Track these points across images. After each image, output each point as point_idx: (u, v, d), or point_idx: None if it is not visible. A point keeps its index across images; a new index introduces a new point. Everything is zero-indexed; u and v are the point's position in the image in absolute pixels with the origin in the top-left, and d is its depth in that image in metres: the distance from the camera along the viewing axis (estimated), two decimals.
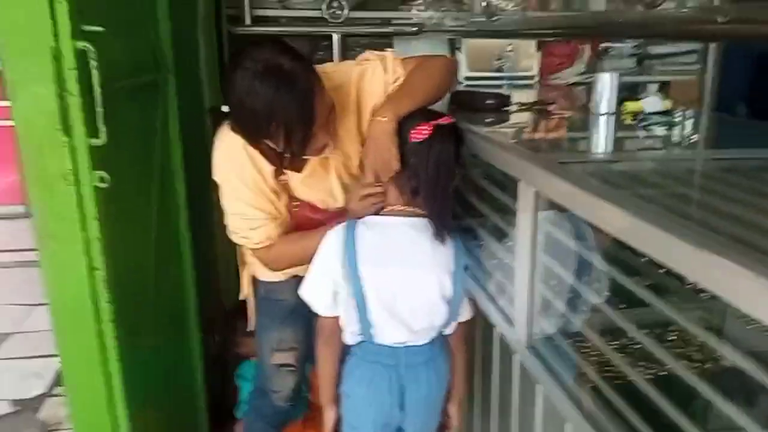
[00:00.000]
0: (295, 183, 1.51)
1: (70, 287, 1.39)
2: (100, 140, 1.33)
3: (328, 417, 1.49)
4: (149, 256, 1.70)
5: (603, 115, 1.61)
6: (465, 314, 1.41)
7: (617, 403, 0.86)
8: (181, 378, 2.03)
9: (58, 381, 2.46)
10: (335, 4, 2.65)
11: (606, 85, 1.63)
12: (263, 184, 1.45)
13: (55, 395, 2.51)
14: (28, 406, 2.47)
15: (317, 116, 1.29)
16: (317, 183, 1.52)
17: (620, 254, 1.12)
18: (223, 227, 1.56)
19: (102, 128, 1.32)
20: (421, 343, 1.39)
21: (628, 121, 1.60)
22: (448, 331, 1.42)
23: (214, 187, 1.55)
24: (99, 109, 1.32)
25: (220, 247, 2.32)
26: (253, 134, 1.34)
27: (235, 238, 1.55)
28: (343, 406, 1.47)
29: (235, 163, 1.45)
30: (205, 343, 2.13)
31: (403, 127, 1.31)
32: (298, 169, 1.50)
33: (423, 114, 1.33)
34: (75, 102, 1.29)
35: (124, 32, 1.59)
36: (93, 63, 1.29)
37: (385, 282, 1.34)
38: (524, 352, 1.12)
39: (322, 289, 1.39)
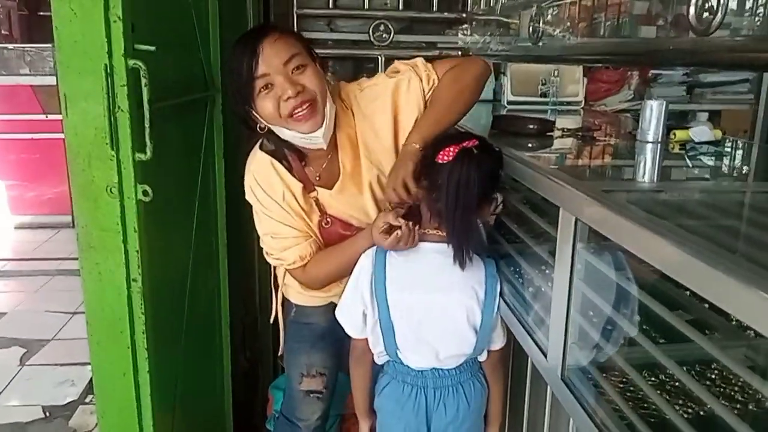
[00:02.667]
0: (326, 199, 1.51)
1: (108, 297, 1.42)
2: (146, 155, 1.36)
3: (363, 428, 1.55)
4: (186, 270, 1.73)
5: (649, 143, 1.57)
6: (498, 342, 1.39)
7: None
8: (210, 391, 2.05)
9: (90, 389, 2.52)
10: (381, 27, 2.68)
11: (654, 112, 1.59)
12: (293, 201, 1.47)
13: (87, 403, 2.56)
14: (59, 413, 2.54)
15: (266, 61, 1.33)
16: (349, 199, 1.52)
17: (661, 287, 1.08)
18: (260, 247, 1.58)
19: (149, 144, 1.35)
20: (449, 367, 1.37)
21: (676, 150, 1.56)
22: (481, 358, 1.40)
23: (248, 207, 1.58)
24: (147, 126, 1.35)
25: (258, 265, 2.34)
26: (241, 105, 1.40)
27: (270, 260, 1.57)
28: (377, 420, 1.51)
29: (264, 180, 1.47)
30: (235, 358, 2.14)
31: (434, 149, 1.31)
32: (329, 185, 1.51)
33: (453, 137, 1.34)
34: (124, 118, 1.33)
35: (176, 51, 1.64)
36: (144, 80, 1.33)
37: (411, 308, 1.35)
38: (557, 383, 1.09)
39: (352, 311, 1.42)
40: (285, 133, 1.40)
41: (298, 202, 1.48)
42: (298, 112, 1.36)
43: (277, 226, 1.48)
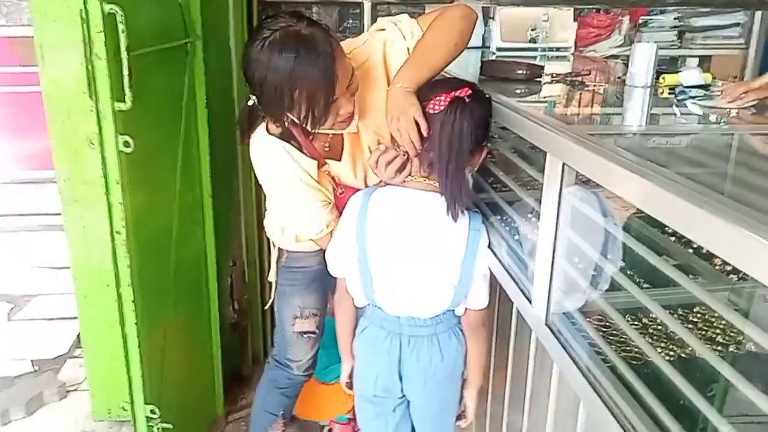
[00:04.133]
0: (336, 170, 1.52)
1: (93, 250, 1.42)
2: (126, 105, 1.33)
3: (344, 369, 1.58)
4: (171, 221, 1.72)
5: (639, 87, 1.55)
6: (477, 302, 1.38)
7: (634, 383, 0.83)
8: (199, 343, 2.07)
9: (78, 343, 2.53)
10: None
11: (643, 56, 1.57)
12: (309, 179, 1.47)
13: (75, 357, 2.58)
14: (48, 366, 2.56)
15: (338, 78, 1.27)
16: (355, 165, 1.53)
17: (647, 233, 1.08)
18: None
19: (128, 93, 1.32)
20: (425, 317, 1.38)
21: (665, 94, 1.54)
22: (458, 312, 1.41)
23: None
24: (125, 74, 1.32)
25: (244, 217, 2.34)
26: (277, 109, 1.32)
27: (289, 233, 1.61)
28: (354, 361, 1.54)
29: (278, 165, 1.45)
30: (223, 310, 2.16)
31: (424, 97, 1.28)
32: (338, 156, 1.51)
33: (444, 84, 1.30)
34: (102, 66, 1.30)
35: None
36: (121, 27, 1.29)
37: (390, 253, 1.35)
38: (541, 329, 1.10)
39: (336, 250, 1.43)
40: (319, 128, 1.37)
41: (314, 179, 1.47)
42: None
43: (297, 203, 1.49)
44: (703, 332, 1.01)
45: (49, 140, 1.47)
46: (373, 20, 2.62)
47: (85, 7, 1.27)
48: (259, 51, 1.26)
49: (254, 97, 1.36)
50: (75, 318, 1.75)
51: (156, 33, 1.59)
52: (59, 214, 1.51)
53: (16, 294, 3.25)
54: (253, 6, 2.39)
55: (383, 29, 1.47)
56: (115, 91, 1.32)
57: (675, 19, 2.91)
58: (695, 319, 1.02)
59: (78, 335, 2.71)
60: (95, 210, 1.41)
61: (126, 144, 1.35)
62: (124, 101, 1.33)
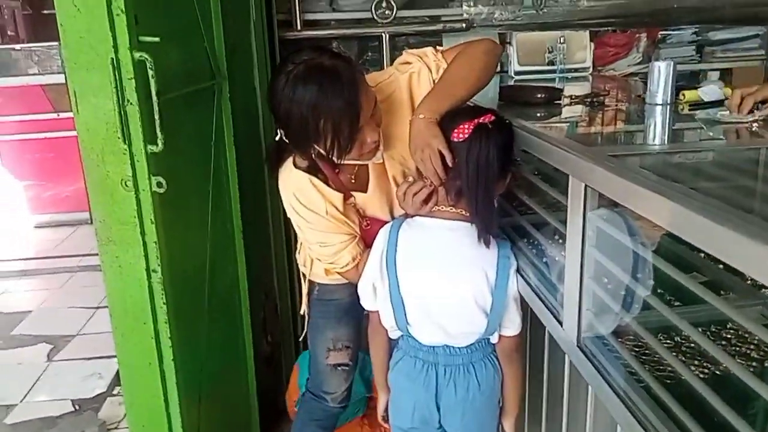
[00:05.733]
0: (362, 202, 1.55)
1: (129, 289, 1.45)
2: (158, 147, 1.37)
3: (380, 401, 1.58)
4: (204, 258, 1.75)
5: (658, 105, 1.56)
6: (511, 328, 1.38)
7: (670, 403, 0.83)
8: (234, 378, 2.08)
9: (117, 381, 2.57)
10: (384, 4, 2.66)
11: (661, 73, 1.58)
12: (336, 212, 1.49)
13: (115, 395, 2.62)
14: (88, 405, 2.60)
15: (362, 107, 1.30)
16: (381, 196, 1.55)
17: (675, 249, 1.08)
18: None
19: (159, 135, 1.37)
20: (461, 345, 1.38)
21: (686, 111, 1.54)
22: (492, 340, 1.41)
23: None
24: (157, 117, 1.37)
25: (274, 251, 2.37)
26: (303, 141, 1.36)
27: (320, 265, 1.62)
28: (390, 394, 1.53)
29: (304, 198, 1.49)
30: (256, 344, 2.18)
31: (447, 126, 1.31)
32: (363, 189, 1.54)
33: (466, 112, 1.32)
34: (134, 111, 1.35)
35: (181, 41, 1.64)
36: (151, 72, 1.34)
37: (420, 283, 1.36)
38: (574, 351, 1.10)
39: (366, 283, 1.45)
40: (345, 159, 1.40)
41: (340, 211, 1.50)
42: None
43: (324, 236, 1.51)
44: (737, 348, 1.00)
45: (85, 183, 1.52)
46: (392, 52, 2.68)
47: (116, 55, 1.32)
48: (283, 84, 1.30)
49: (281, 132, 1.40)
50: (113, 356, 1.79)
51: (184, 76, 1.64)
52: (95, 254, 1.56)
53: (55, 334, 3.32)
54: (275, 45, 2.46)
55: (409, 62, 1.51)
56: (147, 134, 1.37)
57: (693, 33, 2.91)
58: (728, 336, 1.02)
59: (116, 374, 2.76)
60: (131, 250, 1.44)
61: (159, 185, 1.39)
62: (156, 144, 1.37)
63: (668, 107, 1.54)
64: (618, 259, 1.01)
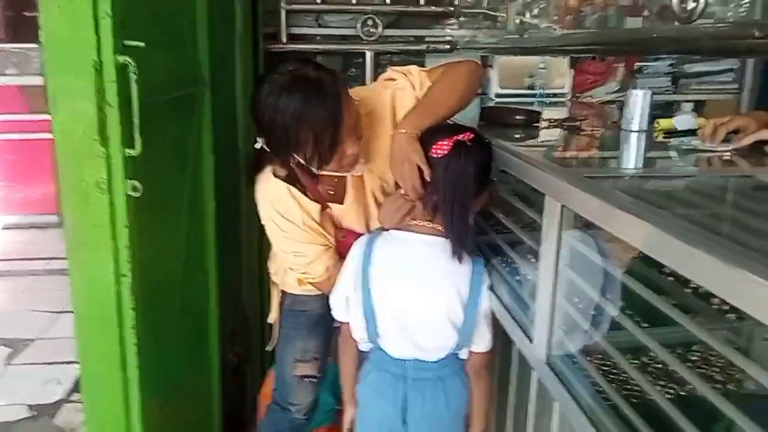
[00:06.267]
0: (339, 213, 1.56)
1: (97, 294, 1.42)
2: (135, 151, 1.36)
3: (347, 415, 1.57)
4: (176, 266, 1.73)
5: (634, 132, 1.59)
6: (481, 345, 1.39)
7: (636, 421, 0.84)
8: (199, 387, 2.05)
9: (76, 387, 2.52)
10: (370, 22, 2.68)
11: (638, 101, 1.61)
12: (312, 222, 1.50)
13: (73, 401, 2.56)
14: (45, 411, 2.54)
15: (344, 120, 1.31)
16: (358, 209, 1.56)
17: (644, 273, 1.10)
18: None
19: (138, 139, 1.35)
20: (431, 360, 1.39)
21: (660, 138, 1.58)
22: (462, 356, 1.41)
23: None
24: (136, 121, 1.36)
25: (246, 263, 2.35)
26: (284, 150, 1.37)
27: (293, 275, 1.62)
28: (357, 407, 1.52)
29: (281, 207, 1.49)
30: (224, 355, 2.15)
31: (426, 142, 1.32)
32: (340, 200, 1.54)
33: (446, 129, 1.34)
34: (113, 114, 1.33)
35: (165, 47, 1.63)
36: (133, 77, 1.33)
37: (393, 296, 1.37)
38: (542, 368, 1.10)
39: (339, 294, 1.45)
40: (324, 170, 1.41)
41: (317, 222, 1.50)
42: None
43: (298, 246, 1.51)
44: (703, 370, 1.02)
45: (58, 185, 1.50)
46: (376, 69, 2.70)
47: (99, 58, 1.31)
48: (267, 94, 1.31)
49: (261, 140, 1.40)
50: (73, 362, 1.75)
51: (167, 82, 1.64)
52: (63, 258, 1.53)
53: (15, 338, 3.25)
54: (260, 57, 2.47)
55: (393, 79, 1.53)
56: (126, 137, 1.36)
57: (669, 65, 2.98)
58: (693, 358, 1.03)
59: (76, 380, 2.70)
60: (101, 254, 1.42)
61: (134, 188, 1.37)
62: (133, 147, 1.36)
63: (643, 134, 1.58)
64: (589, 279, 1.02)
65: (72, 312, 1.59)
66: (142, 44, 1.35)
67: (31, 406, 2.59)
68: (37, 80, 5.05)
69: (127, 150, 1.36)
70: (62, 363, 2.91)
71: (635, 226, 0.80)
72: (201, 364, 2.05)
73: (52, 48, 1.29)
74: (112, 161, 1.36)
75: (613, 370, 1.01)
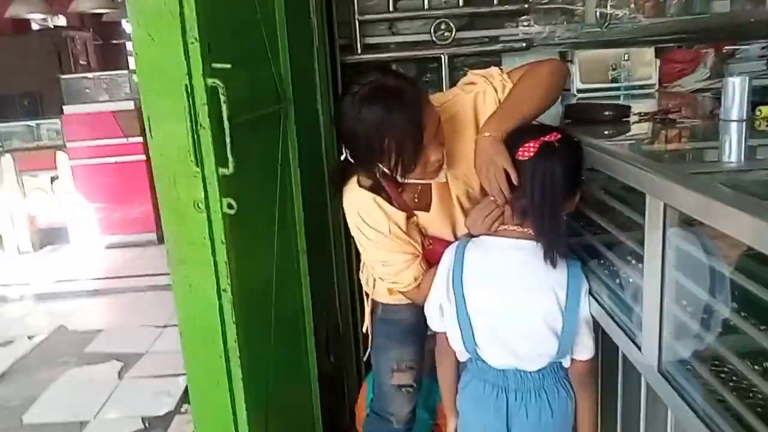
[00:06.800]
0: (426, 222, 1.55)
1: (199, 308, 1.47)
2: (229, 169, 1.41)
3: (449, 426, 1.55)
4: (271, 278, 1.78)
5: (734, 121, 1.50)
6: (584, 352, 1.35)
7: (758, 428, 0.79)
8: (299, 397, 2.09)
9: (185, 398, 2.62)
10: (443, 26, 2.67)
11: (736, 89, 1.53)
12: (399, 231, 1.51)
13: (182, 413, 2.67)
14: (158, 423, 2.66)
15: (426, 127, 1.31)
16: (444, 217, 1.55)
17: (759, 268, 1.04)
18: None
19: (231, 158, 1.40)
20: (531, 369, 1.35)
21: (762, 127, 1.49)
22: (565, 364, 1.37)
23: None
24: (228, 141, 1.40)
25: (336, 272, 2.39)
26: (368, 160, 1.38)
27: (383, 285, 1.63)
28: (459, 418, 1.51)
29: (369, 217, 1.51)
30: (320, 363, 2.19)
31: (512, 144, 1.29)
32: (426, 208, 1.54)
33: (532, 130, 1.31)
34: (206, 135, 1.38)
35: (249, 67, 1.69)
36: (222, 98, 1.38)
37: (488, 304, 1.34)
38: (653, 376, 1.05)
39: (434, 304, 1.44)
40: (409, 178, 1.42)
41: (403, 230, 1.51)
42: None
43: (386, 255, 1.53)
44: None
45: (153, 205, 1.58)
46: (451, 73, 2.69)
47: (190, 82, 1.36)
48: (349, 105, 1.33)
49: (347, 151, 1.43)
50: (181, 374, 1.83)
51: (252, 100, 1.69)
52: (163, 273, 1.60)
53: (125, 352, 3.43)
54: (337, 69, 2.51)
55: (474, 83, 1.51)
56: (219, 157, 1.41)
57: (763, 48, 2.80)
58: None
59: (184, 391, 2.82)
60: (202, 270, 1.47)
61: (230, 206, 1.42)
62: (227, 167, 1.40)
63: (744, 123, 1.49)
64: (698, 279, 0.97)
65: (176, 325, 1.67)
66: (228, 66, 1.39)
67: (143, 418, 2.73)
68: (128, 105, 5.35)
69: (221, 169, 1.41)
70: (171, 375, 3.06)
71: (745, 222, 0.76)
72: (299, 373, 2.09)
73: (145, 73, 1.36)
74: (208, 181, 1.42)
75: (733, 377, 0.95)
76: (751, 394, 0.90)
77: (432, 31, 2.68)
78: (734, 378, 0.95)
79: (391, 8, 2.68)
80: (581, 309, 1.30)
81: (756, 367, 0.92)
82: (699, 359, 0.99)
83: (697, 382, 0.97)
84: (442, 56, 2.71)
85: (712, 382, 0.93)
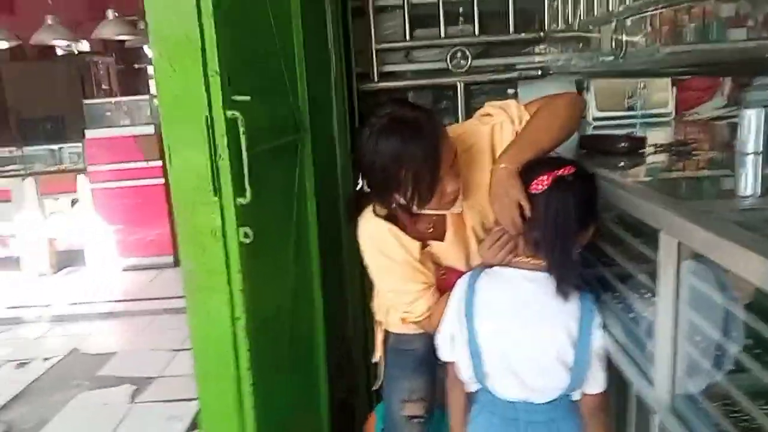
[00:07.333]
0: (440, 252, 1.56)
1: (214, 336, 1.48)
2: (246, 199, 1.43)
3: None
4: (285, 305, 1.79)
5: (749, 155, 1.50)
6: (595, 386, 1.33)
7: None
8: (310, 423, 2.08)
9: (195, 425, 2.62)
10: (459, 54, 2.70)
11: (752, 121, 1.52)
12: (412, 260, 1.51)
13: None
14: None
15: (442, 159, 1.33)
16: (458, 246, 1.56)
17: None
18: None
19: (248, 188, 1.42)
20: (541, 401, 1.34)
21: None
22: (575, 397, 1.36)
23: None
24: (245, 171, 1.42)
25: (350, 301, 2.40)
26: (385, 190, 1.39)
27: (396, 314, 1.62)
28: None
29: (382, 245, 1.51)
30: (332, 390, 2.18)
31: (526, 177, 1.30)
32: (441, 238, 1.55)
33: (546, 163, 1.31)
34: (225, 165, 1.40)
35: (268, 97, 1.71)
36: (242, 129, 1.40)
37: (499, 335, 1.34)
38: (665, 413, 1.04)
39: (445, 334, 1.44)
40: (425, 208, 1.43)
41: (417, 260, 1.52)
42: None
43: (399, 284, 1.54)
44: None
45: (171, 228, 1.60)
46: (467, 101, 2.71)
47: (210, 114, 1.39)
48: (367, 137, 1.35)
49: (363, 181, 1.44)
50: (192, 399, 1.83)
51: (270, 130, 1.71)
52: (178, 297, 1.62)
53: (138, 376, 3.44)
54: (354, 97, 2.54)
55: (491, 114, 1.53)
56: (236, 186, 1.43)
57: None
58: None
59: (194, 417, 2.82)
60: (217, 297, 1.49)
61: (246, 235, 1.44)
62: (244, 196, 1.42)
63: (760, 157, 1.48)
64: (710, 315, 0.97)
65: (189, 349, 1.68)
66: (248, 98, 1.42)
67: None
68: (148, 129, 5.44)
69: (238, 199, 1.43)
70: (183, 400, 3.06)
71: (759, 265, 0.76)
72: (311, 400, 2.09)
73: (166, 103, 1.38)
74: (225, 210, 1.43)
75: (745, 417, 0.94)
76: None
77: (448, 59, 2.70)
78: (745, 417, 0.93)
79: (407, 37, 2.71)
80: (593, 342, 1.30)
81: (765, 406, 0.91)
82: (711, 397, 0.98)
83: (708, 421, 0.96)
84: (458, 84, 2.72)
85: (723, 422, 0.92)
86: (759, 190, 1.31)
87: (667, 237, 1.01)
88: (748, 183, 1.38)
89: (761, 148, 1.51)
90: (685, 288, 0.99)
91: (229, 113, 1.38)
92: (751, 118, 1.51)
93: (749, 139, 1.51)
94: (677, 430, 1.01)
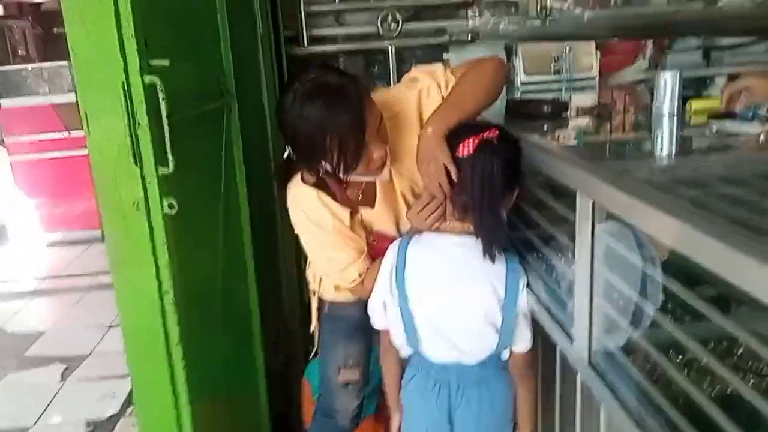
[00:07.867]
0: (370, 218, 1.56)
1: (142, 310, 1.45)
2: (169, 169, 1.39)
3: (393, 421, 1.56)
4: (216, 276, 1.76)
5: (665, 116, 1.56)
6: (522, 344, 1.38)
7: (681, 425, 0.83)
8: (246, 396, 2.09)
9: (130, 401, 2.58)
10: (389, 18, 2.67)
11: (668, 83, 1.58)
12: (343, 227, 1.51)
13: (128, 416, 2.62)
14: (103, 427, 2.61)
15: (368, 125, 1.32)
16: (388, 212, 1.56)
17: (686, 262, 1.08)
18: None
19: (170, 157, 1.38)
20: (472, 362, 1.38)
21: (693, 122, 1.54)
22: (504, 356, 1.40)
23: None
24: (167, 140, 1.38)
25: (284, 270, 2.38)
26: (311, 158, 1.38)
27: (330, 282, 1.63)
28: (403, 412, 1.52)
29: (312, 214, 1.50)
30: (269, 362, 2.18)
31: (452, 141, 1.31)
32: (371, 204, 1.55)
33: (471, 128, 1.32)
34: (145, 133, 1.36)
35: (189, 61, 1.65)
36: (161, 95, 1.35)
37: (430, 299, 1.36)
38: (585, 370, 1.09)
39: (376, 302, 1.45)
40: (352, 175, 1.42)
41: (347, 227, 1.52)
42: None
43: (330, 252, 1.53)
44: (752, 364, 0.99)
45: (96, 202, 1.54)
46: (398, 65, 2.69)
47: (127, 79, 1.33)
48: (291, 103, 1.32)
49: (289, 148, 1.42)
50: (126, 376, 1.79)
51: (193, 96, 1.66)
52: (107, 272, 1.57)
53: (69, 354, 3.34)
54: (283, 61, 2.48)
55: (417, 79, 1.52)
56: (158, 156, 1.38)
57: (700, 39, 2.90)
58: (740, 352, 1.01)
59: (129, 394, 2.77)
60: (143, 271, 1.45)
61: (170, 206, 1.40)
62: (167, 165, 1.38)
63: (675, 118, 1.54)
64: (627, 273, 1.01)
65: (119, 326, 1.63)
66: (167, 62, 1.36)
67: (88, 422, 2.67)
68: (70, 97, 5.17)
69: (160, 168, 1.39)
70: (116, 377, 2.99)
71: (669, 225, 0.79)
72: (247, 371, 2.08)
73: (81, 69, 1.32)
74: (147, 180, 1.39)
75: (658, 369, 0.99)
76: (674, 386, 0.93)
77: (379, 23, 2.68)
78: (659, 370, 0.99)
79: (337, 0, 2.66)
80: (519, 303, 1.34)
81: (679, 357, 0.96)
82: (628, 352, 1.03)
83: (626, 375, 1.00)
84: (389, 48, 2.70)
85: (637, 376, 0.96)
86: (674, 151, 1.37)
87: (582, 197, 1.04)
88: (664, 143, 1.44)
89: (677, 110, 1.57)
90: (600, 247, 1.02)
91: (147, 78, 1.33)
92: (666, 80, 1.57)
93: (665, 101, 1.56)
94: (597, 385, 1.06)
